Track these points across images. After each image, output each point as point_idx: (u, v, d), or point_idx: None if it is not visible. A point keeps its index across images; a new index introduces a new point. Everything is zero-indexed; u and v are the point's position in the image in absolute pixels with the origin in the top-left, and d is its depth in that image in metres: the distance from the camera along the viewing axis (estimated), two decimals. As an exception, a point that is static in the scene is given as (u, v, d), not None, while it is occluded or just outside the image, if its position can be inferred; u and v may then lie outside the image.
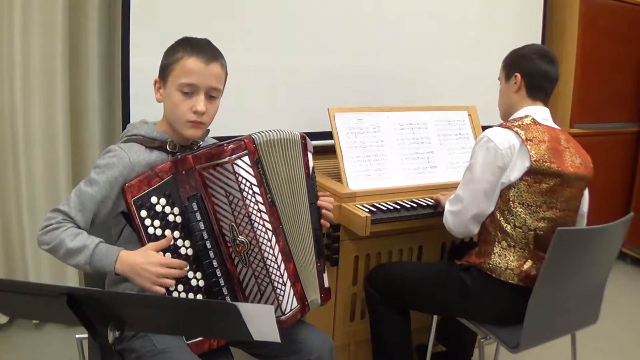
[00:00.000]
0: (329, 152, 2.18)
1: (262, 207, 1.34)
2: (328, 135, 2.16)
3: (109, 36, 2.43)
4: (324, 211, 1.57)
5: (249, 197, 1.31)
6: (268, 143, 1.38)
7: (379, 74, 2.60)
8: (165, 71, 1.40)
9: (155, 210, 1.30)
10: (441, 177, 2.24)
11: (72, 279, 2.47)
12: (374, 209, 1.93)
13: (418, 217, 1.97)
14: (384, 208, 1.96)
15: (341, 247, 1.96)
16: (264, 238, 1.33)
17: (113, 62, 2.44)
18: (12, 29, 2.18)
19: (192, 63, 1.36)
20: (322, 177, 2.14)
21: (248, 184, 1.31)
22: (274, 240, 1.36)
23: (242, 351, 1.58)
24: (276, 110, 2.41)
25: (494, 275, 1.69)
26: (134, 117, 2.06)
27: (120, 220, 1.39)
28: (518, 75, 1.78)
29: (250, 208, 1.31)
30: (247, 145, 1.33)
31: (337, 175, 2.11)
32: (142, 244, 1.29)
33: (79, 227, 1.32)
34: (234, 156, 1.30)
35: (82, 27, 2.37)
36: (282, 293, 1.37)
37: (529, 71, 1.77)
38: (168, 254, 1.30)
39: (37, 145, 2.33)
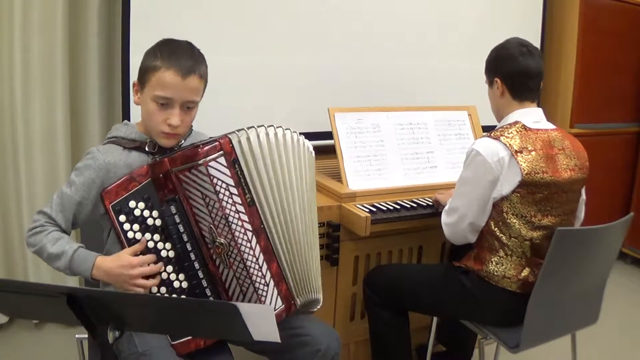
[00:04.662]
0: (329, 152, 2.18)
1: (240, 208, 1.32)
2: (328, 135, 2.16)
3: (109, 36, 2.43)
4: None
5: (225, 198, 1.30)
6: (247, 142, 1.35)
7: (379, 74, 2.60)
8: (142, 78, 1.38)
9: (134, 215, 1.30)
10: (441, 177, 2.24)
11: (72, 279, 2.47)
12: (374, 209, 1.93)
13: (418, 217, 1.97)
14: (384, 208, 1.96)
15: (341, 247, 1.96)
16: (242, 239, 1.32)
17: (113, 62, 2.44)
18: (12, 29, 2.18)
19: (168, 77, 1.33)
20: (322, 177, 2.14)
21: (224, 185, 1.30)
22: (254, 240, 1.34)
23: (244, 349, 1.58)
24: (276, 110, 2.41)
25: (492, 282, 1.69)
26: (133, 117, 2.06)
27: (108, 221, 1.39)
28: (498, 80, 1.73)
29: (227, 210, 1.30)
30: (222, 146, 1.31)
31: (337, 175, 2.11)
32: (123, 248, 1.31)
33: (61, 228, 1.35)
34: (208, 158, 1.28)
35: (82, 27, 2.37)
36: (264, 293, 1.36)
37: (507, 73, 1.71)
38: (150, 256, 1.31)
39: (37, 145, 2.33)
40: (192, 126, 1.53)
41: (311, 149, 1.51)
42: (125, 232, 1.30)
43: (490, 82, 1.79)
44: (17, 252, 2.41)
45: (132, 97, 1.44)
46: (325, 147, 2.33)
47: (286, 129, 1.44)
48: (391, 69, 2.63)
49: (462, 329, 1.88)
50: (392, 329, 1.91)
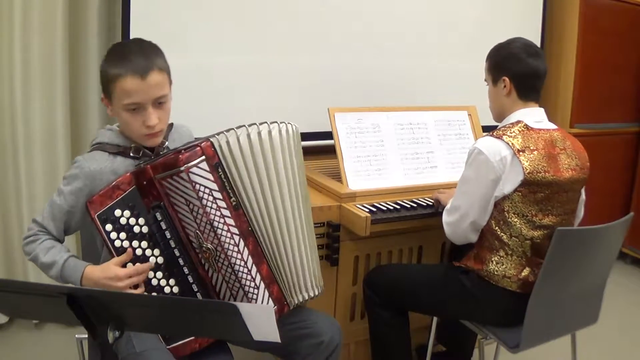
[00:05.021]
0: (329, 152, 2.18)
1: (226, 212, 1.30)
2: (328, 135, 2.16)
3: (109, 36, 2.43)
4: None
5: (209, 204, 1.28)
6: (227, 145, 1.32)
7: (379, 74, 2.60)
8: (106, 90, 1.36)
9: (120, 223, 1.30)
10: (441, 177, 2.24)
11: (72, 279, 2.47)
12: (374, 209, 1.93)
13: (418, 217, 1.97)
14: (384, 208, 1.96)
15: (341, 247, 1.96)
16: (229, 244, 1.31)
17: (113, 62, 2.44)
18: (12, 29, 2.18)
19: (129, 83, 1.30)
20: (322, 177, 2.14)
21: (207, 190, 1.28)
22: (242, 244, 1.33)
23: (244, 348, 1.58)
24: (276, 110, 2.41)
25: (492, 281, 1.69)
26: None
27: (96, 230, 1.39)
28: (506, 79, 1.72)
29: (211, 215, 1.29)
30: (203, 151, 1.28)
31: (337, 175, 2.11)
32: (112, 257, 1.31)
33: (53, 236, 1.37)
34: (190, 164, 1.26)
35: (82, 27, 2.37)
36: (254, 296, 1.35)
37: (517, 73, 1.71)
38: (138, 264, 1.31)
39: (37, 145, 2.33)
40: (172, 124, 1.52)
41: (295, 128, 1.46)
42: (112, 241, 1.30)
43: (495, 81, 1.77)
44: (17, 252, 2.41)
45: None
46: (325, 147, 2.33)
47: (272, 123, 1.40)
48: (391, 69, 2.63)
49: (462, 329, 1.88)
50: (392, 329, 1.91)
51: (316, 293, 1.50)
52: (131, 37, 2.08)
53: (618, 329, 2.71)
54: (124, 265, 1.30)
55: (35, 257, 1.35)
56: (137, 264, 1.31)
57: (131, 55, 1.32)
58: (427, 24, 2.69)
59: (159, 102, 1.36)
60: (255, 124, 1.39)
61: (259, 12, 2.31)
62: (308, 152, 2.39)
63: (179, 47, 2.19)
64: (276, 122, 1.42)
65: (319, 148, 2.42)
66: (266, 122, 1.40)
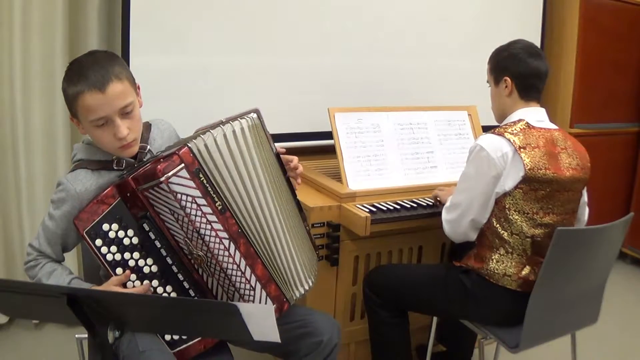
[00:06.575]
0: (329, 152, 2.18)
1: (212, 218, 1.28)
2: (328, 135, 2.17)
3: (109, 36, 2.43)
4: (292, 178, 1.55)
5: (194, 212, 1.26)
6: (208, 147, 1.29)
7: (379, 74, 2.61)
8: (72, 110, 1.34)
9: (109, 237, 1.30)
10: (441, 177, 2.24)
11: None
12: (374, 209, 1.93)
13: (418, 217, 1.97)
14: (384, 208, 1.96)
15: (341, 247, 1.96)
16: (219, 249, 1.29)
17: (113, 62, 2.44)
18: (12, 29, 2.18)
19: (89, 99, 1.27)
20: (322, 177, 2.14)
21: (190, 198, 1.25)
22: (232, 247, 1.31)
23: (244, 349, 1.58)
24: (276, 110, 2.41)
25: (492, 280, 1.69)
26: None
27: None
28: (508, 79, 1.74)
29: (197, 223, 1.26)
30: (181, 158, 1.24)
31: (337, 175, 2.11)
32: (106, 271, 1.32)
33: (52, 258, 1.38)
34: (169, 174, 1.22)
35: (82, 27, 2.37)
36: (250, 298, 1.35)
37: (519, 73, 1.73)
38: (133, 276, 1.32)
39: (37, 145, 2.33)
40: (149, 123, 1.51)
41: (256, 117, 1.44)
42: (104, 256, 1.29)
43: (497, 81, 1.79)
44: (17, 252, 2.41)
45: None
46: (325, 147, 2.33)
47: (242, 119, 1.39)
48: (391, 69, 2.63)
49: (462, 329, 1.88)
50: (391, 328, 1.91)
51: (310, 284, 1.50)
52: (131, 37, 2.08)
53: (618, 329, 2.71)
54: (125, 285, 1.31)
55: (39, 281, 1.36)
56: (138, 286, 1.32)
57: (86, 70, 1.29)
58: (427, 24, 2.69)
59: (126, 112, 1.33)
60: (229, 122, 1.37)
61: (259, 12, 2.31)
62: (308, 152, 2.40)
63: (179, 47, 2.20)
64: (245, 118, 1.40)
65: (319, 148, 2.42)
66: (237, 119, 1.38)
